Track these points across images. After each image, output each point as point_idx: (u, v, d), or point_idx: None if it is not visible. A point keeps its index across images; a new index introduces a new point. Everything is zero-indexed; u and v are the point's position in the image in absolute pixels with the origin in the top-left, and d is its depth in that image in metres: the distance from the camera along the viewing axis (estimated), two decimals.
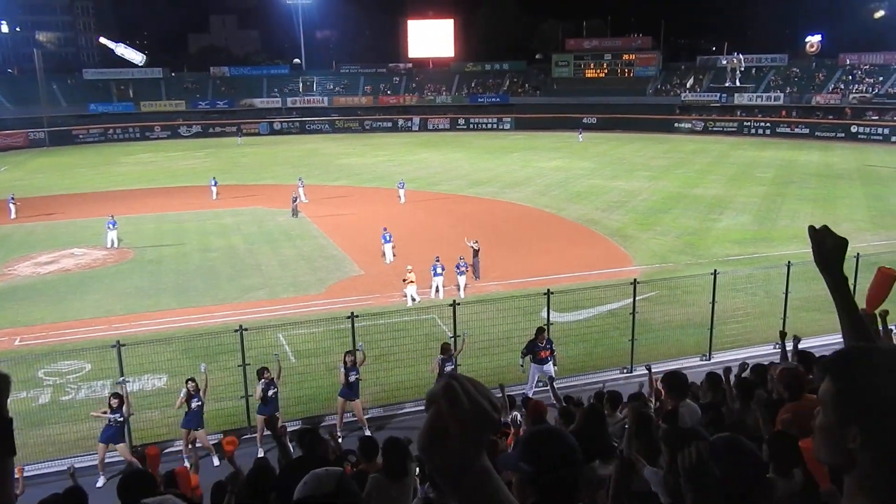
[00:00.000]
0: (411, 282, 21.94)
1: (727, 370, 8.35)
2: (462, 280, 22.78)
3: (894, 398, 1.59)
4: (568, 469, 2.48)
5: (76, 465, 13.07)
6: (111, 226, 29.92)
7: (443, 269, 22.76)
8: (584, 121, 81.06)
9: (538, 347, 15.35)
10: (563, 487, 2.47)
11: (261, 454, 13.02)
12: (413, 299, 21.88)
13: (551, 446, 2.53)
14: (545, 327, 15.95)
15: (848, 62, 76.48)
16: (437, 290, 22.64)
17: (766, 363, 10.15)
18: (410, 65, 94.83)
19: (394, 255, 27.02)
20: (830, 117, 71.65)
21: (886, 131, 67.27)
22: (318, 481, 2.27)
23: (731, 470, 3.06)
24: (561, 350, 16.87)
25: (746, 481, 3.14)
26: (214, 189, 41.31)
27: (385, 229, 27.47)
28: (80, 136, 78.01)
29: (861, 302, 2.89)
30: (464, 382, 1.46)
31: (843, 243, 2.47)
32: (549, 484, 2.45)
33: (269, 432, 10.28)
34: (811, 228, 2.54)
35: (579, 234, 31.69)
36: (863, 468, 1.63)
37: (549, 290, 16.63)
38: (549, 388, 15.11)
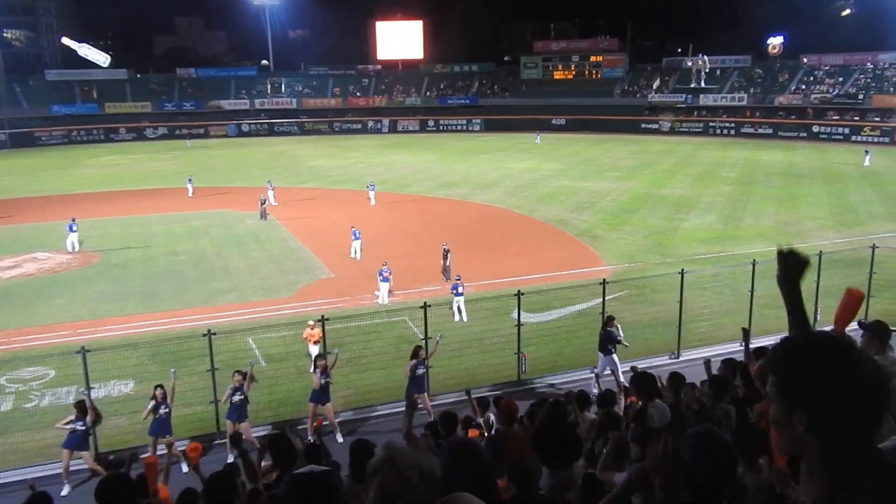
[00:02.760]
0: (315, 341, 16.80)
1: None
2: (460, 301, 20.48)
3: (829, 380, 1.69)
4: (473, 481, 2.42)
5: (40, 474, 12.86)
6: (71, 228, 29.40)
7: (390, 273, 22.31)
8: (553, 122, 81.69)
9: (617, 337, 15.76)
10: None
11: (230, 459, 12.86)
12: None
13: (460, 456, 2.51)
14: (613, 315, 16.27)
15: (807, 62, 78.08)
16: (383, 297, 22.25)
17: (735, 359, 10.30)
18: (379, 66, 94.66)
19: (360, 251, 27.58)
20: (793, 117, 73.04)
21: (847, 131, 68.77)
22: (309, 470, 2.32)
23: (703, 461, 3.05)
24: (531, 350, 16.96)
25: (719, 473, 3.13)
26: (190, 187, 42.26)
27: (353, 227, 28.32)
28: (43, 139, 76.57)
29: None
30: (402, 455, 1.57)
31: (806, 265, 2.47)
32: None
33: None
34: (780, 252, 2.51)
35: (549, 234, 31.88)
36: (812, 453, 1.73)
37: (519, 290, 16.68)
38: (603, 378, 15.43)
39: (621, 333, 15.99)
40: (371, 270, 23.40)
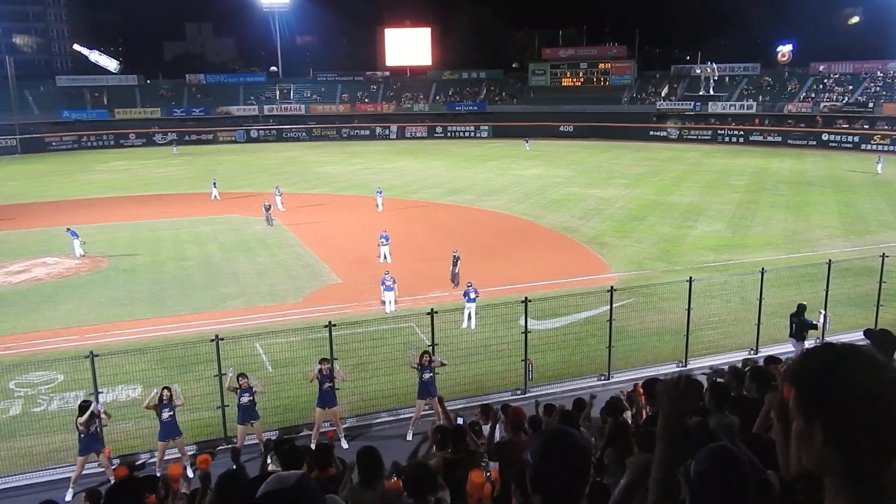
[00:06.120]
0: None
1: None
2: (472, 308, 20.38)
3: (850, 392, 1.63)
4: (568, 470, 2.39)
5: (49, 478, 12.90)
6: (74, 235, 29.53)
7: (394, 283, 22.16)
8: (561, 129, 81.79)
9: (813, 323, 16.81)
10: (561, 489, 2.38)
11: None
12: None
13: (558, 444, 2.44)
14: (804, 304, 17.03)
15: (819, 70, 77.82)
16: (388, 305, 22.11)
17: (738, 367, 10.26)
18: (388, 73, 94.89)
19: (390, 255, 27.72)
20: (802, 125, 72.84)
21: (856, 139, 68.50)
22: (280, 479, 2.28)
23: (712, 483, 2.87)
24: (538, 357, 16.93)
25: (728, 499, 2.91)
26: (215, 191, 43.46)
27: (383, 232, 28.67)
28: (53, 144, 76.96)
29: None
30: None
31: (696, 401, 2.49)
32: (544, 482, 2.37)
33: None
34: (660, 384, 2.46)
35: (557, 241, 31.83)
36: (835, 467, 1.66)
37: (526, 297, 16.65)
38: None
39: (822, 322, 17.21)
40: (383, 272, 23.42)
